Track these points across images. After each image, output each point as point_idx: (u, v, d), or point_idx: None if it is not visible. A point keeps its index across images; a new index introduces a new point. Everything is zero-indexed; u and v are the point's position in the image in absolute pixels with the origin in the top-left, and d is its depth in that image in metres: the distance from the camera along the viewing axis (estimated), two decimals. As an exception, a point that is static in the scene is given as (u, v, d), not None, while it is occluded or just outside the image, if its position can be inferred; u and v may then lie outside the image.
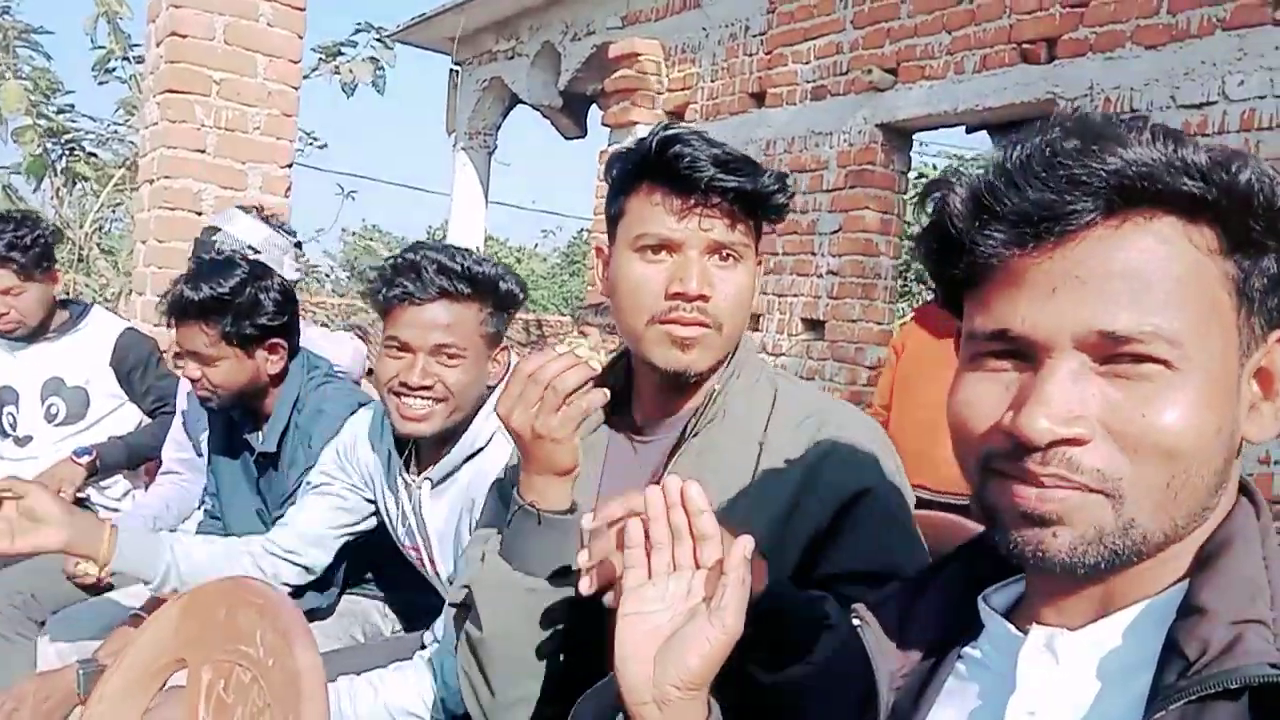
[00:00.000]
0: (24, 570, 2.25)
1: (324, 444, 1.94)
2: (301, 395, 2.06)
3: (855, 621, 0.76)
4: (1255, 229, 0.62)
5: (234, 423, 2.13)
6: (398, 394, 1.56)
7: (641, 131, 6.09)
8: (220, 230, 2.50)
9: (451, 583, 1.58)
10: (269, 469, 2.08)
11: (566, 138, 8.84)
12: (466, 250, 1.64)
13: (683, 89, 6.20)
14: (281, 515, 1.95)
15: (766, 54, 5.65)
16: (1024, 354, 0.63)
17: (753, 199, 1.12)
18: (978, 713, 0.70)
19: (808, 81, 5.42)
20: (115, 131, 7.13)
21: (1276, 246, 0.63)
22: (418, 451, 1.71)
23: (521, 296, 1.66)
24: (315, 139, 8.30)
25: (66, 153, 6.82)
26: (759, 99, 5.73)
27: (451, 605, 1.19)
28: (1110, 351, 0.61)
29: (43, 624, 2.17)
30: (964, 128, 5.55)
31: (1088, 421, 0.61)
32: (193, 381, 2.01)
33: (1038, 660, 0.67)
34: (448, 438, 1.63)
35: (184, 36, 3.57)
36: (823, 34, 5.32)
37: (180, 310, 1.95)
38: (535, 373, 1.02)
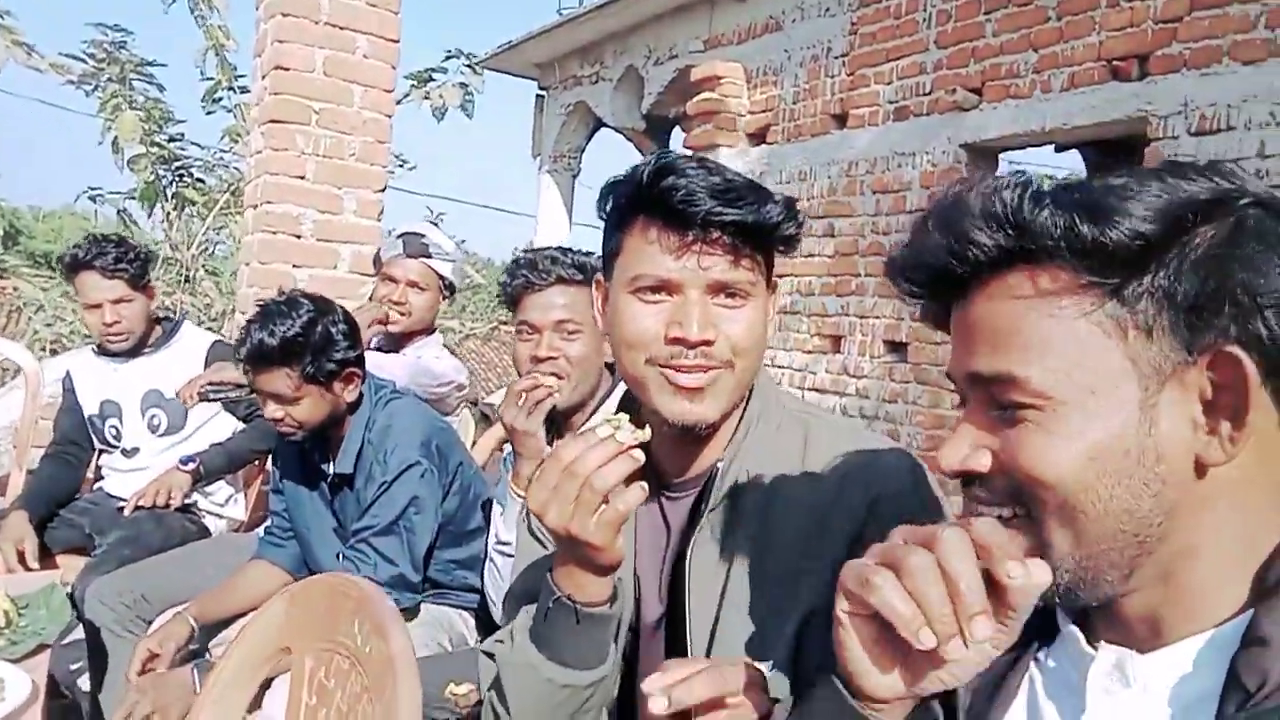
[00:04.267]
0: (134, 572, 2.39)
1: (398, 454, 2.02)
2: (371, 415, 2.10)
3: None
4: (1076, 260, 0.65)
5: (304, 451, 2.17)
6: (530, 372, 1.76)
7: (724, 154, 6.20)
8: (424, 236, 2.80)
9: None
10: (343, 489, 2.13)
11: (649, 160, 8.94)
12: (577, 249, 1.85)
13: (764, 111, 6.23)
14: (360, 530, 2.01)
15: (849, 75, 5.65)
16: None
17: (758, 231, 1.01)
18: None
19: (890, 102, 5.39)
20: (221, 158, 7.50)
21: (1129, 267, 0.63)
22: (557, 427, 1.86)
23: None
24: (405, 161, 8.58)
25: (176, 179, 7.19)
26: (841, 120, 5.72)
27: (484, 653, 1.11)
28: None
29: (150, 623, 2.29)
30: (1053, 146, 5.44)
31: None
32: (276, 421, 2.04)
33: (1108, 682, 0.67)
34: (577, 409, 1.79)
35: (287, 70, 3.75)
36: (905, 54, 5.30)
37: (260, 357, 1.96)
38: (572, 464, 0.88)
